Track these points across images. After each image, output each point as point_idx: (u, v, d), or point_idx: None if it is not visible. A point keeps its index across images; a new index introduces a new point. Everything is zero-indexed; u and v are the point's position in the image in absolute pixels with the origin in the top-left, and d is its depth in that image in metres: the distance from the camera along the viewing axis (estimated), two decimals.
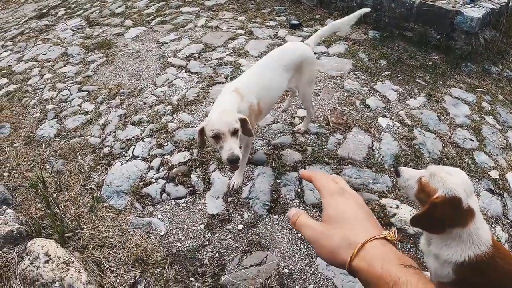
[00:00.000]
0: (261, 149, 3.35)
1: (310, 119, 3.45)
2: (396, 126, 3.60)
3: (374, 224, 0.68)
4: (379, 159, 3.24)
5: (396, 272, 0.56)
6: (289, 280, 2.41)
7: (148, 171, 3.24)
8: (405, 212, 2.77)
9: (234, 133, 2.28)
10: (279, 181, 3.06)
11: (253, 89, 2.63)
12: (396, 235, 0.66)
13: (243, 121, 2.39)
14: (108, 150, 3.54)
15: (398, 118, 3.71)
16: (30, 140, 3.84)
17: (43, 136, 3.86)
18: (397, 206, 2.84)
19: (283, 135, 3.48)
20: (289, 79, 2.88)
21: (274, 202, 2.90)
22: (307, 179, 0.82)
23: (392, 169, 3.14)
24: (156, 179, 3.15)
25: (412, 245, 2.59)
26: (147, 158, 3.36)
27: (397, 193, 2.95)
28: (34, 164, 3.47)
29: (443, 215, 1.54)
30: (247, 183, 3.07)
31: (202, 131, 2.43)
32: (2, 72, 5.36)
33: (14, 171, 3.40)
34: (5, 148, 3.73)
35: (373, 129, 3.54)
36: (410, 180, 1.74)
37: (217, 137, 2.28)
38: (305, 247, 2.60)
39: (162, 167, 3.26)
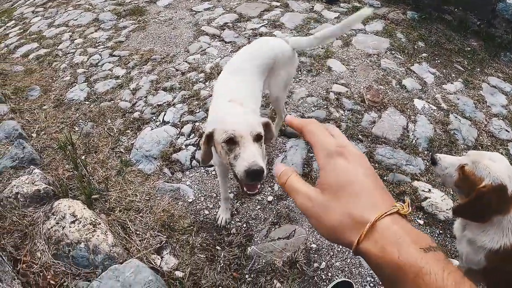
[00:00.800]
0: None
1: (281, 123, 3.09)
2: (432, 110, 3.50)
3: (382, 194, 0.55)
4: (414, 141, 3.15)
5: (417, 259, 0.47)
6: (316, 255, 2.37)
7: (179, 137, 3.22)
8: (436, 197, 2.71)
9: (256, 139, 1.70)
10: (311, 154, 3.00)
11: (246, 96, 2.17)
12: (409, 208, 0.54)
13: (266, 126, 1.87)
14: (139, 114, 3.52)
15: (434, 101, 3.61)
16: (60, 102, 3.85)
17: (73, 99, 3.87)
18: (429, 190, 2.78)
19: (317, 109, 3.41)
20: (264, 81, 2.49)
21: (305, 176, 2.84)
22: (296, 128, 0.67)
23: (426, 152, 3.07)
24: (186, 145, 3.13)
25: (441, 231, 2.53)
26: (178, 124, 3.34)
27: (429, 177, 2.89)
28: (63, 126, 3.48)
29: (489, 204, 1.51)
30: (279, 155, 3.03)
31: (210, 138, 1.84)
32: (32, 36, 5.39)
33: (42, 132, 3.41)
34: (34, 110, 3.74)
35: (408, 110, 3.45)
36: (450, 168, 1.68)
37: (232, 142, 1.69)
38: None
39: (193, 134, 3.23)
